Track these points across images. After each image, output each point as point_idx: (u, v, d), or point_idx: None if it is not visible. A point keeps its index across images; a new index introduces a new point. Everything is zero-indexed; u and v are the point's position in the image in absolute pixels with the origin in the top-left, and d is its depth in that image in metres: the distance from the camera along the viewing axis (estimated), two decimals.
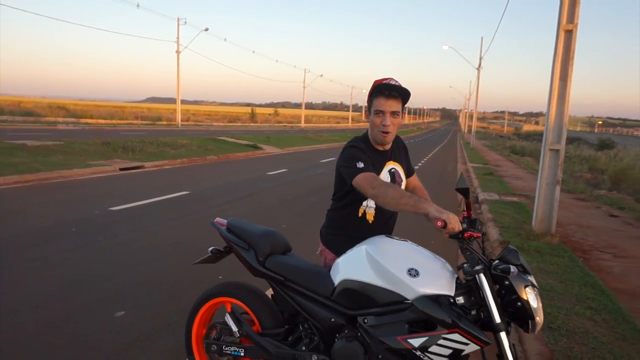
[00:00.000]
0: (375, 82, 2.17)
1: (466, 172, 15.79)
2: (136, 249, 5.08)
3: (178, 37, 37.28)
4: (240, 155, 17.78)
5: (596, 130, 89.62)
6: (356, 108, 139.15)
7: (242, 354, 2.31)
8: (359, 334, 1.97)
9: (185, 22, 37.53)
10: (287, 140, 26.24)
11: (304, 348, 2.15)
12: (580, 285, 4.28)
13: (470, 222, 1.90)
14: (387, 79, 2.16)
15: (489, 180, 12.75)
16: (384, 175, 2.27)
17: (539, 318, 1.81)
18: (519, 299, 1.78)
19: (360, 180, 2.04)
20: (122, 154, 14.05)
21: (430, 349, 1.79)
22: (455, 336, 1.77)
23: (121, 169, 11.84)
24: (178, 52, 37.33)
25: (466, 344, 1.77)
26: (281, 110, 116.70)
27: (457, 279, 1.94)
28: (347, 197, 2.28)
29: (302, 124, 60.35)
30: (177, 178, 11.10)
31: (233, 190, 9.46)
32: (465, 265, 1.86)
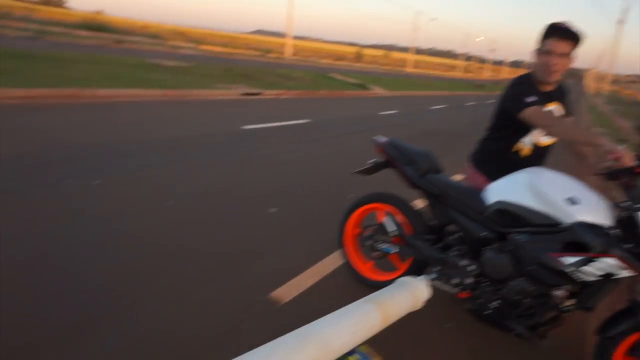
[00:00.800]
0: (552, 23, 2.25)
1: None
2: (274, 162, 5.70)
3: None
4: (349, 94, 18.02)
5: None
6: (466, 57, 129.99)
7: (393, 251, 2.68)
8: (509, 248, 2.21)
9: None
10: (395, 84, 25.79)
11: (452, 253, 2.45)
12: None
13: None
14: (562, 22, 2.24)
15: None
16: None
17: None
18: None
19: (532, 113, 2.19)
20: (243, 80, 14.99)
21: (582, 268, 1.98)
22: (611, 260, 1.93)
23: (242, 94, 12.73)
24: None
25: (622, 269, 1.93)
26: (388, 53, 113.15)
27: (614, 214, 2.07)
28: (504, 130, 2.46)
29: (409, 69, 58.35)
30: (295, 107, 11.72)
31: (348, 124, 9.82)
32: (627, 202, 1.98)
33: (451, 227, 2.56)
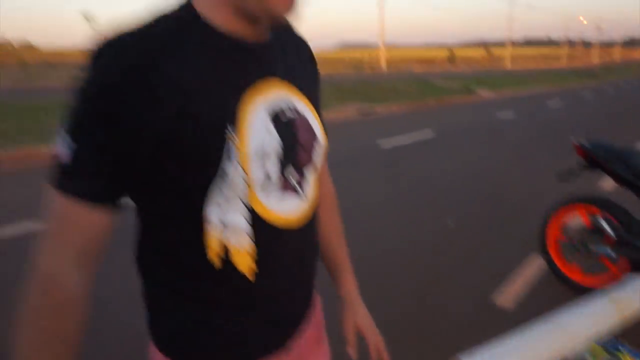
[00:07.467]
0: None
1: None
2: (458, 172, 6.17)
3: None
4: (457, 99, 17.89)
5: None
6: (569, 42, 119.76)
7: (608, 253, 2.80)
8: None
9: None
10: (499, 83, 24.78)
11: None
12: None
13: None
14: None
15: None
16: (259, 127, 0.69)
17: None
18: None
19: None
20: (352, 97, 15.61)
21: None
22: None
23: (360, 114, 13.26)
24: None
25: None
26: (479, 51, 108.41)
27: None
28: None
29: (508, 65, 55.45)
30: (414, 120, 12.17)
31: (475, 132, 9.96)
32: None
33: None
